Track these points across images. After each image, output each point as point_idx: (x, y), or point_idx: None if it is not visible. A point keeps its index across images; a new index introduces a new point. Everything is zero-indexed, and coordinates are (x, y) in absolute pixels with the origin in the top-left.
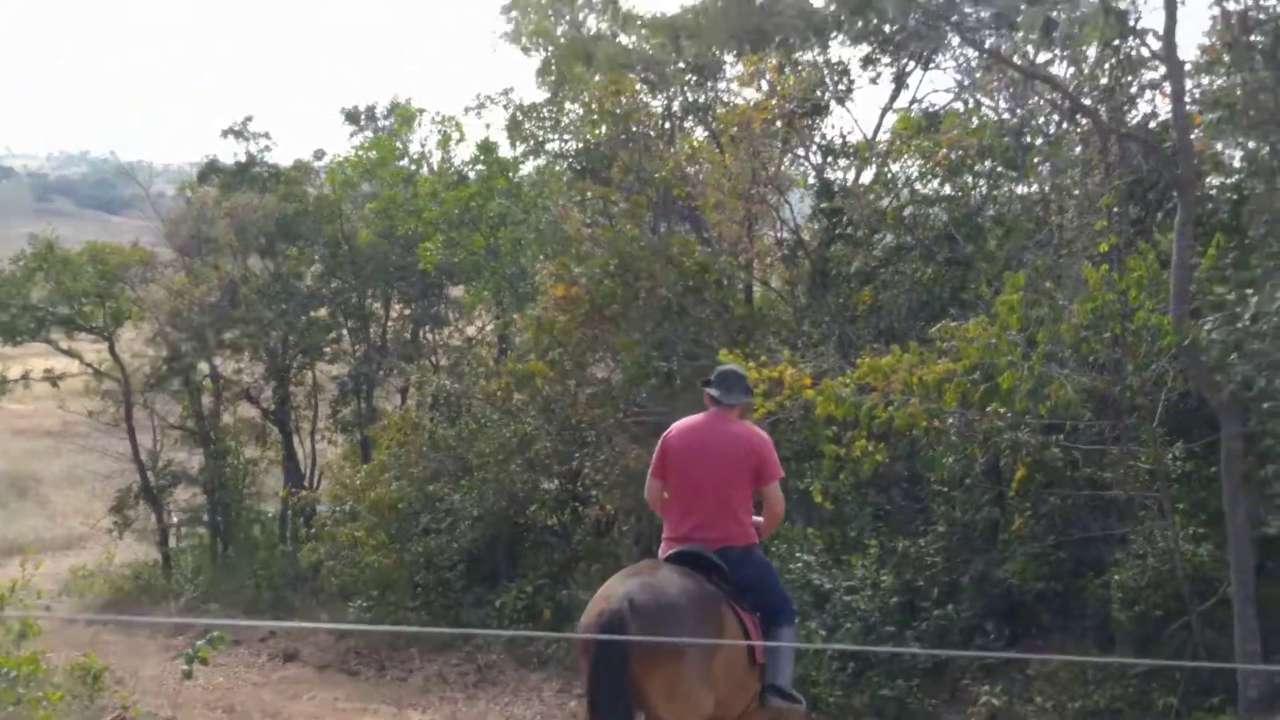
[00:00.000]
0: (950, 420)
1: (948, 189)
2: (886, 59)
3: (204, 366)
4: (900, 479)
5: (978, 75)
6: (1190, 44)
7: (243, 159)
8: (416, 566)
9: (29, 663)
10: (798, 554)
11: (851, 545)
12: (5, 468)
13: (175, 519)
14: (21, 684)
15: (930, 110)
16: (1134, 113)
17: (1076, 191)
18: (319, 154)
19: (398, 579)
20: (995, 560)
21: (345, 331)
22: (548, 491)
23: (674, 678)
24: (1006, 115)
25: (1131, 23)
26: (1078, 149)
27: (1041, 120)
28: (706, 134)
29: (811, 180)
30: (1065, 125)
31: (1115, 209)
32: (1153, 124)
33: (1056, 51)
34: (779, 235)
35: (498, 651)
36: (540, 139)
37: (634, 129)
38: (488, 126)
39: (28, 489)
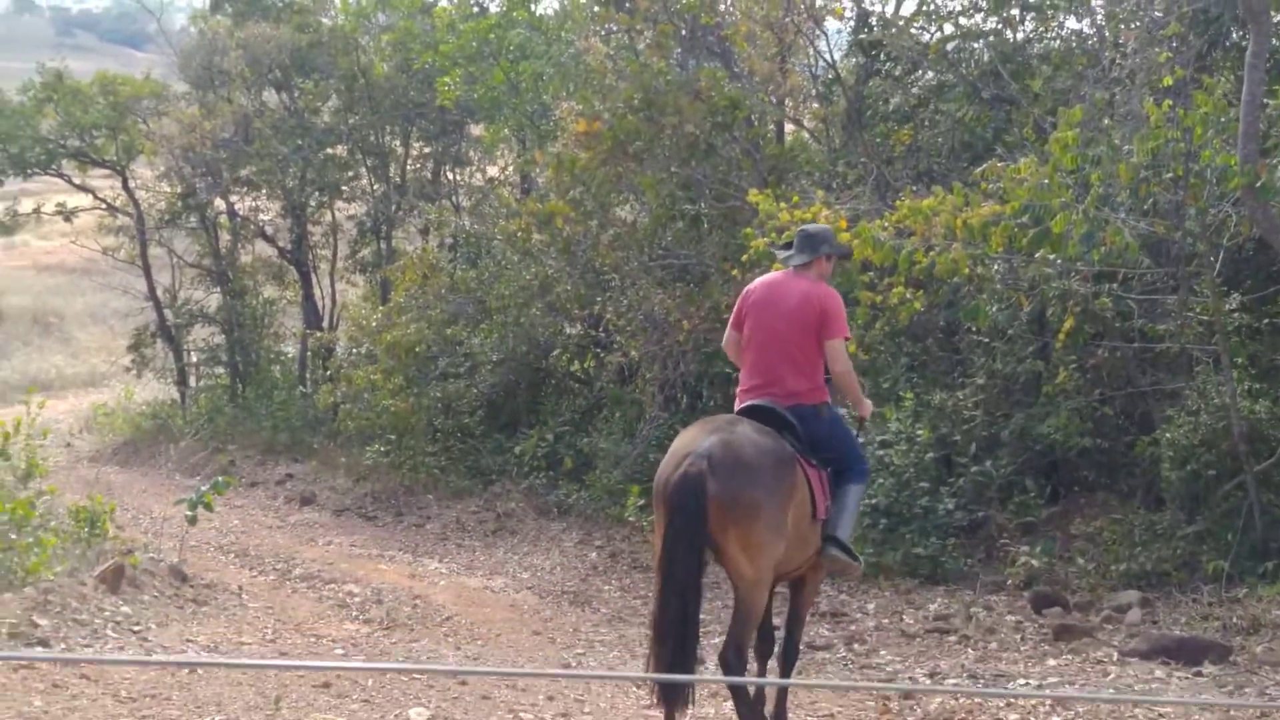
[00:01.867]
0: (995, 266)
1: (994, 22)
2: None
3: (220, 203)
4: (938, 328)
5: None
6: None
7: None
8: (435, 411)
9: (21, 506)
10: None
11: (885, 397)
12: (29, 304)
13: (194, 358)
14: (14, 528)
15: None
16: None
17: (1135, 23)
18: None
19: (415, 423)
20: (1037, 415)
21: (364, 169)
22: (570, 336)
23: (749, 531)
24: None
25: None
26: None
27: None
28: None
29: (849, 12)
30: None
31: (1178, 40)
32: None
33: None
34: (814, 70)
35: (517, 500)
36: None
37: None
38: None
39: (51, 326)
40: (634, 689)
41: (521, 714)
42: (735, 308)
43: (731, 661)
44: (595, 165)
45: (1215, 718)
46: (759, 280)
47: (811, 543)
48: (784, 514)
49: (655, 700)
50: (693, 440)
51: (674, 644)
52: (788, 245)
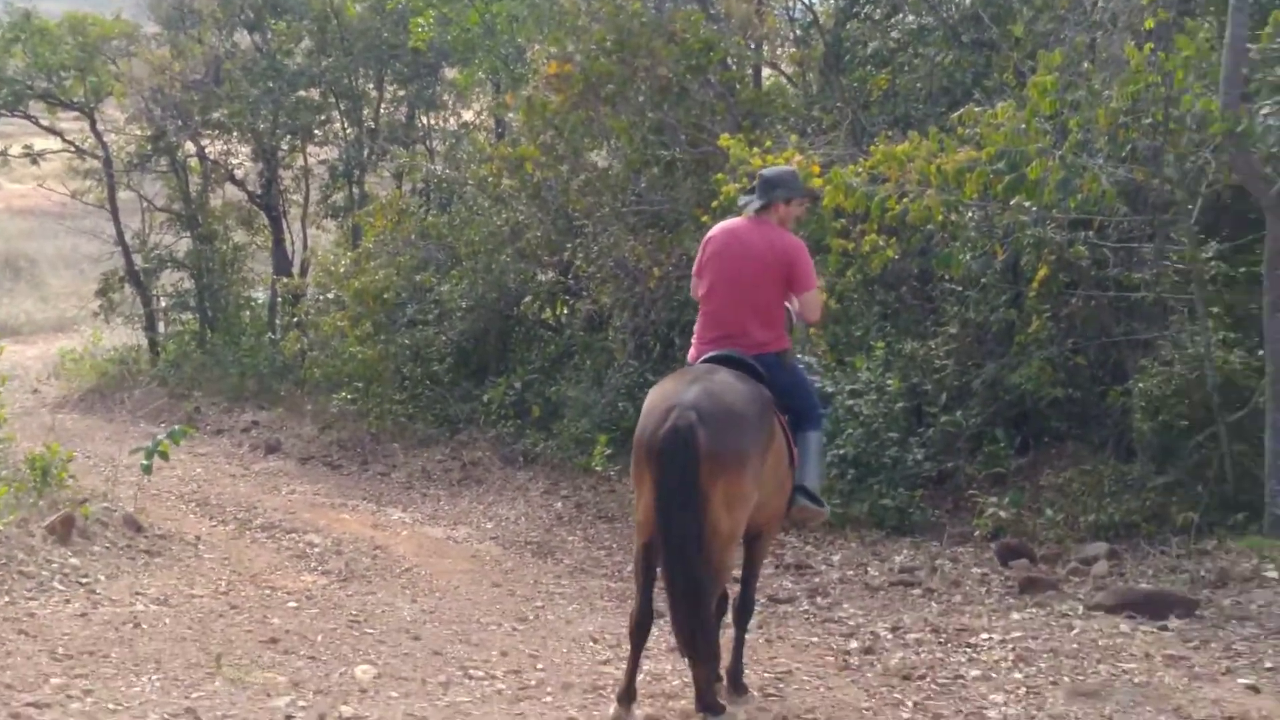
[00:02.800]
0: (970, 214)
1: None
2: None
3: (190, 146)
4: (911, 276)
5: None
6: None
7: None
8: (403, 359)
9: None
10: (799, 354)
11: (856, 346)
12: (1, 248)
13: (162, 303)
14: None
15: None
16: None
17: None
18: None
19: (383, 371)
20: (1009, 365)
21: (337, 113)
22: (540, 284)
23: (736, 483)
24: None
25: None
26: None
27: None
28: None
29: None
30: None
31: None
32: None
33: None
34: (791, 13)
35: (483, 448)
36: None
37: None
38: None
39: (22, 270)
40: (590, 643)
41: (472, 670)
42: (698, 255)
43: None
44: (566, 109)
45: (1180, 673)
46: (719, 227)
47: (785, 491)
48: (763, 463)
49: (687, 661)
50: (674, 392)
51: (689, 606)
52: (751, 190)
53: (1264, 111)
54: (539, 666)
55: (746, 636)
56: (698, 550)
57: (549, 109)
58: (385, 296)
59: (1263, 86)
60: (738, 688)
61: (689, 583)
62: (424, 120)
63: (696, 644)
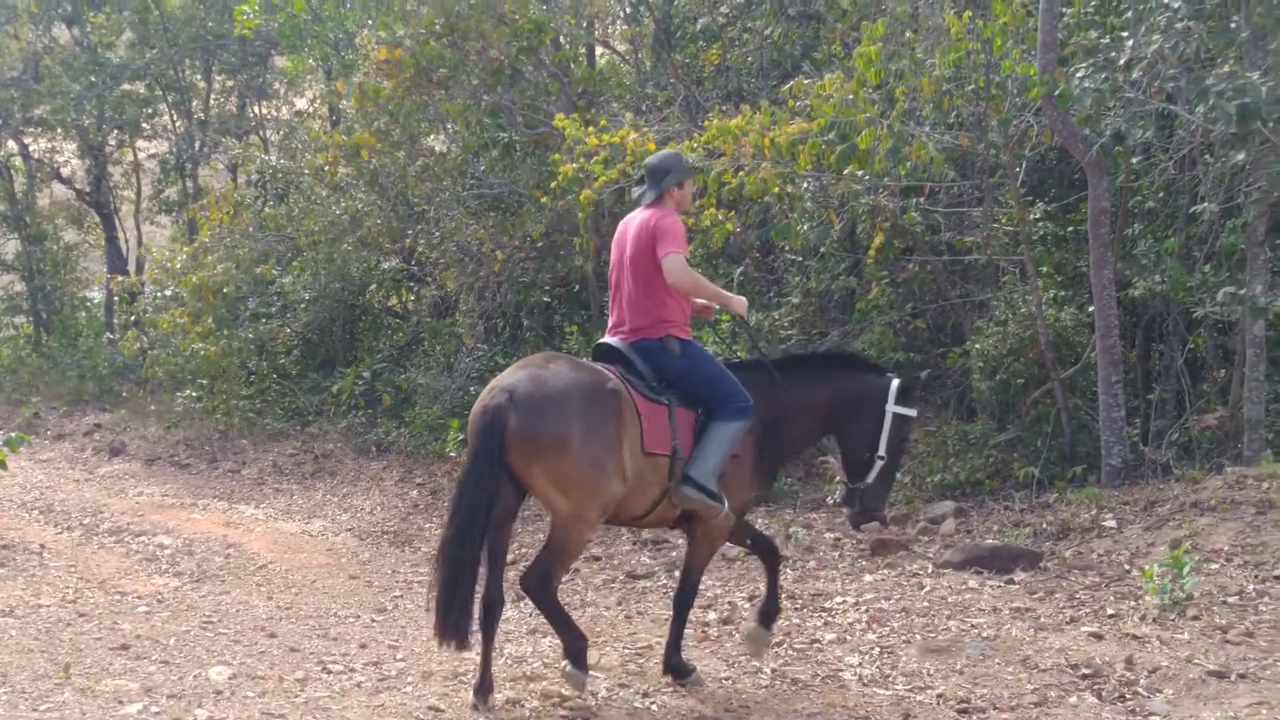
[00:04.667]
0: (805, 184)
1: None
2: None
3: (12, 145)
4: (752, 249)
5: None
6: None
7: None
8: (247, 353)
9: None
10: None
11: (701, 320)
12: None
13: None
14: None
15: None
16: None
17: None
18: None
19: (227, 366)
20: (852, 332)
21: (165, 106)
22: (384, 271)
23: (558, 467)
24: None
25: None
26: None
27: None
28: None
29: None
30: None
31: None
32: None
33: None
34: None
35: (335, 440)
36: None
37: None
38: None
39: None
40: None
41: (331, 665)
42: None
43: (533, 588)
44: (400, 94)
45: (1026, 625)
46: (626, 217)
47: (654, 483)
48: (606, 450)
49: (435, 638)
50: (502, 377)
51: (447, 582)
52: (642, 180)
53: (1079, 74)
54: (399, 657)
55: (688, 615)
56: (476, 533)
57: (382, 95)
58: (225, 291)
59: (1077, 50)
60: (680, 672)
61: (455, 562)
62: (256, 110)
63: (449, 624)
